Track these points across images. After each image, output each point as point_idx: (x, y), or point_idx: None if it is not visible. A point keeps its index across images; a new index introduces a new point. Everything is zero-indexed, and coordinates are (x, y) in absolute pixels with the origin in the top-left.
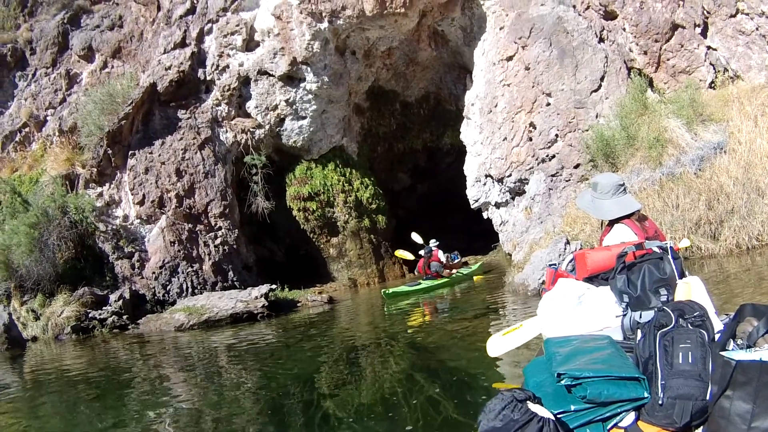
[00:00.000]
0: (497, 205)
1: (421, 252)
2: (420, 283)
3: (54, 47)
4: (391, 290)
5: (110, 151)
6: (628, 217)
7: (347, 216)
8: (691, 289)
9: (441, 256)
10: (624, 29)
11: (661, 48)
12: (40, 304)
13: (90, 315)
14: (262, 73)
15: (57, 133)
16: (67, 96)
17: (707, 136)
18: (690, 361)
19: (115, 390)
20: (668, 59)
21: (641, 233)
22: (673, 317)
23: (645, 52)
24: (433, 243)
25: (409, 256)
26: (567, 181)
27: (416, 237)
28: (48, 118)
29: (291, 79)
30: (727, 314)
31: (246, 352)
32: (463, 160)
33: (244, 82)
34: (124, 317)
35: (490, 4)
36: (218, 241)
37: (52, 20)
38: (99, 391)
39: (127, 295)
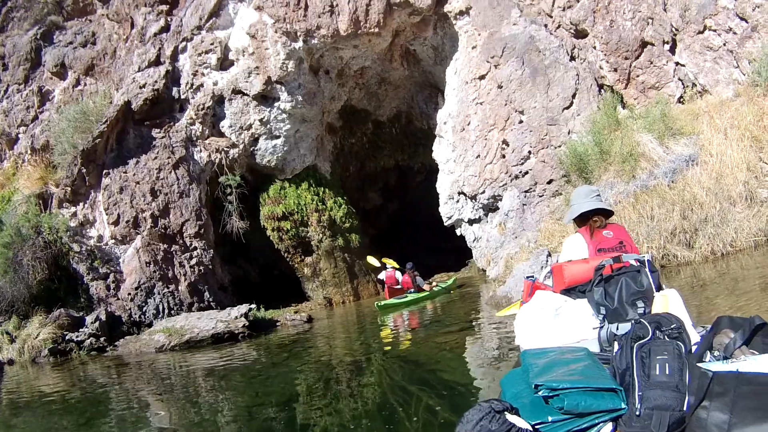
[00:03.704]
0: (470, 222)
1: (389, 271)
2: (407, 296)
3: (26, 63)
4: (383, 303)
5: (84, 170)
6: (585, 223)
7: (321, 235)
8: (668, 301)
9: (398, 276)
10: (594, 47)
11: (630, 65)
12: (15, 326)
13: (67, 337)
14: (237, 92)
15: (29, 151)
16: (39, 113)
17: (679, 150)
18: (667, 372)
19: (96, 414)
20: (638, 76)
21: (593, 243)
22: (650, 329)
23: (615, 69)
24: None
25: (377, 263)
26: (540, 196)
27: (375, 261)
28: (20, 135)
29: (265, 98)
30: (703, 326)
31: (233, 372)
32: (434, 179)
33: (219, 101)
34: (102, 339)
35: (463, 23)
36: (194, 261)
37: (25, 36)
38: (78, 416)
39: (103, 317)
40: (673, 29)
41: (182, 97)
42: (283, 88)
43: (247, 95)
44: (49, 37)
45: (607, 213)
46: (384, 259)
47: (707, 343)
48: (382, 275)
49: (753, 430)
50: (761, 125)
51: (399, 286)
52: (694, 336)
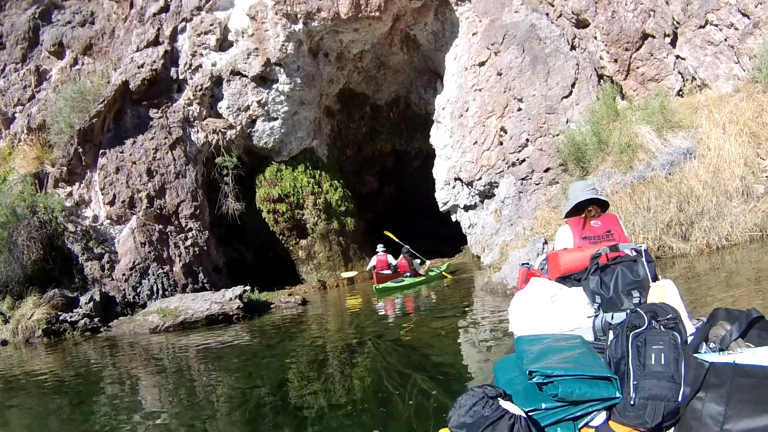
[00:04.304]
0: (466, 208)
1: (379, 255)
2: (403, 280)
3: (24, 42)
4: (381, 286)
5: (81, 150)
6: (581, 213)
7: (316, 218)
8: (664, 292)
9: (391, 259)
10: (595, 37)
11: (631, 56)
12: (9, 306)
13: (61, 317)
14: (235, 73)
15: (25, 131)
16: (36, 93)
17: (677, 142)
18: (663, 362)
19: (90, 395)
20: (638, 67)
21: (579, 232)
22: (646, 319)
23: (615, 60)
24: (380, 248)
25: (352, 274)
26: (537, 184)
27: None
28: (16, 114)
29: (264, 80)
30: (698, 318)
31: (227, 354)
32: (430, 164)
33: (217, 82)
34: (96, 320)
35: (464, 10)
36: (189, 242)
37: (23, 15)
38: (72, 397)
39: (97, 297)
40: (675, 22)
41: (180, 77)
42: (282, 70)
43: (246, 77)
44: (47, 17)
45: (602, 204)
46: (386, 232)
47: (703, 335)
48: (372, 262)
49: (748, 423)
50: (760, 121)
51: (388, 271)
52: (690, 327)
